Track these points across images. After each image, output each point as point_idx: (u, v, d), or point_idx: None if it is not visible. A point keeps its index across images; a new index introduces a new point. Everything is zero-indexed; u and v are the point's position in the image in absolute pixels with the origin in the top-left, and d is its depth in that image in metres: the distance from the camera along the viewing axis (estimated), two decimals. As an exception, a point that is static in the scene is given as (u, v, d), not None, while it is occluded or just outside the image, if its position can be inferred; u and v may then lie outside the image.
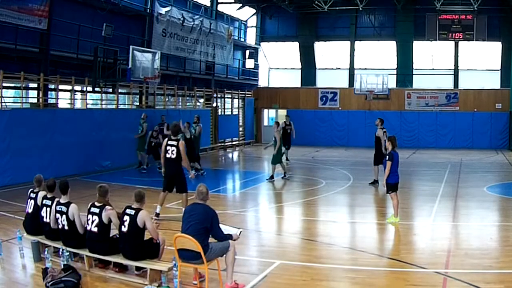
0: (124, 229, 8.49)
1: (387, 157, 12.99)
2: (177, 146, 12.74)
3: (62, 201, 9.30)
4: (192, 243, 7.82)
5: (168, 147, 12.82)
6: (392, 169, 12.88)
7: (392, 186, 13.06)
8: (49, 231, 9.57)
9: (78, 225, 9.11)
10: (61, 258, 8.84)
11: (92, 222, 8.80)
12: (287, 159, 25.63)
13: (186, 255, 8.02)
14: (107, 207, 8.85)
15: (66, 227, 9.13)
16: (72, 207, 9.18)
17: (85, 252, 9.02)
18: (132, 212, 8.48)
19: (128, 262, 8.69)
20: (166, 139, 13.11)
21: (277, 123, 20.57)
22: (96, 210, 8.79)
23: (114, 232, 9.02)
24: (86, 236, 8.95)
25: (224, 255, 8.18)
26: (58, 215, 9.23)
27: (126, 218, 8.49)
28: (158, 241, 8.68)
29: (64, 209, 9.16)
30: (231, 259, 8.16)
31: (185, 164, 13.09)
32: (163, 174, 13.34)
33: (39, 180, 10.18)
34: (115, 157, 21.85)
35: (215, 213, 8.19)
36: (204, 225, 8.00)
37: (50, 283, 8.07)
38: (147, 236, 8.67)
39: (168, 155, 12.83)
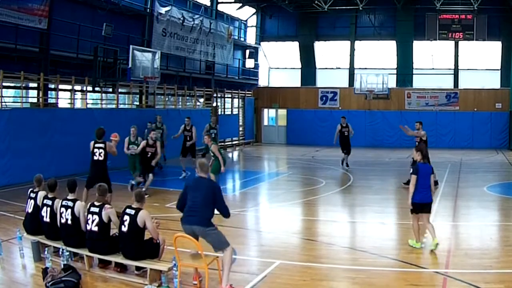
0: (124, 228, 8.50)
1: (411, 170, 10.71)
2: (104, 148, 13.72)
3: (69, 197, 9.38)
4: (193, 238, 7.97)
5: (96, 150, 13.72)
6: (418, 185, 10.44)
7: (413, 206, 10.55)
8: (49, 231, 9.58)
9: (82, 222, 9.16)
10: (61, 258, 8.84)
11: (93, 221, 8.82)
12: (347, 165, 23.70)
13: (191, 220, 8.19)
14: (106, 205, 8.87)
15: (69, 222, 9.18)
16: (79, 203, 9.29)
17: (85, 252, 9.03)
18: (132, 212, 8.50)
19: (128, 262, 8.69)
20: (93, 142, 13.90)
21: (209, 127, 18.45)
22: (96, 210, 8.81)
23: (113, 231, 9.04)
24: (86, 236, 8.96)
25: (221, 255, 8.21)
26: (63, 209, 9.26)
27: (126, 218, 8.51)
28: (158, 241, 8.69)
29: (70, 204, 9.24)
30: (228, 260, 8.08)
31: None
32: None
33: (39, 180, 10.20)
34: (115, 157, 21.81)
35: (219, 187, 8.61)
36: (211, 198, 8.26)
37: (50, 283, 8.07)
38: (147, 236, 8.67)
39: (96, 158, 13.72)
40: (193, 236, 8.22)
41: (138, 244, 8.50)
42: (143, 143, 16.64)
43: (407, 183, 18.12)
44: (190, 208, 8.26)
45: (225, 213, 8.51)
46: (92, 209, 8.87)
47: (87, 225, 8.89)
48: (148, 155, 16.46)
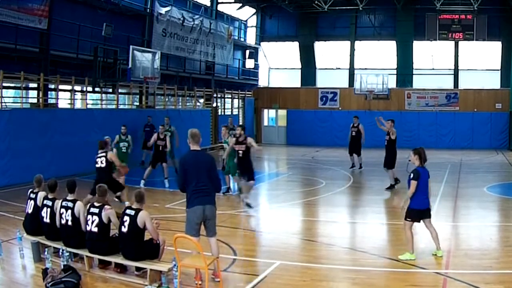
0: (124, 229, 8.51)
1: (411, 174, 9.91)
2: (105, 157, 13.73)
3: (69, 198, 9.40)
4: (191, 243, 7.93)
5: (98, 159, 13.76)
6: (417, 190, 9.83)
7: (411, 213, 10.01)
8: (49, 232, 9.57)
9: (82, 222, 9.17)
10: (61, 258, 8.84)
11: (92, 222, 8.83)
12: (360, 167, 23.40)
13: (206, 199, 8.36)
14: (106, 206, 8.87)
15: (69, 223, 9.19)
16: (79, 204, 9.30)
17: (85, 252, 9.03)
18: (132, 212, 8.51)
19: (128, 262, 8.68)
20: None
21: (226, 127, 17.85)
22: (96, 210, 8.82)
23: (114, 232, 9.03)
24: (86, 237, 8.96)
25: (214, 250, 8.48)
26: (63, 210, 9.28)
27: (126, 218, 8.52)
28: (158, 242, 8.69)
29: (70, 204, 9.26)
30: (216, 250, 8.50)
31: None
32: None
33: (39, 180, 10.19)
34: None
35: (214, 158, 8.91)
36: (210, 170, 8.48)
37: (50, 284, 8.08)
38: (147, 236, 8.67)
39: (98, 165, 13.73)
40: (201, 218, 8.34)
41: (138, 244, 8.51)
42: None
43: (390, 187, 18.04)
44: (200, 188, 8.33)
45: (219, 186, 8.86)
46: (92, 209, 8.87)
47: (87, 225, 8.89)
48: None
